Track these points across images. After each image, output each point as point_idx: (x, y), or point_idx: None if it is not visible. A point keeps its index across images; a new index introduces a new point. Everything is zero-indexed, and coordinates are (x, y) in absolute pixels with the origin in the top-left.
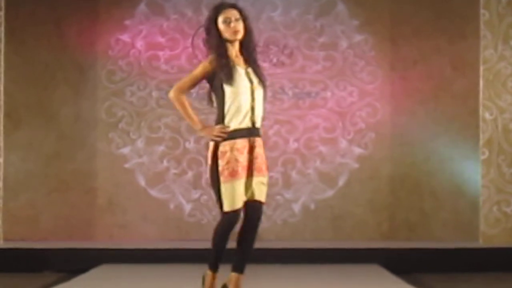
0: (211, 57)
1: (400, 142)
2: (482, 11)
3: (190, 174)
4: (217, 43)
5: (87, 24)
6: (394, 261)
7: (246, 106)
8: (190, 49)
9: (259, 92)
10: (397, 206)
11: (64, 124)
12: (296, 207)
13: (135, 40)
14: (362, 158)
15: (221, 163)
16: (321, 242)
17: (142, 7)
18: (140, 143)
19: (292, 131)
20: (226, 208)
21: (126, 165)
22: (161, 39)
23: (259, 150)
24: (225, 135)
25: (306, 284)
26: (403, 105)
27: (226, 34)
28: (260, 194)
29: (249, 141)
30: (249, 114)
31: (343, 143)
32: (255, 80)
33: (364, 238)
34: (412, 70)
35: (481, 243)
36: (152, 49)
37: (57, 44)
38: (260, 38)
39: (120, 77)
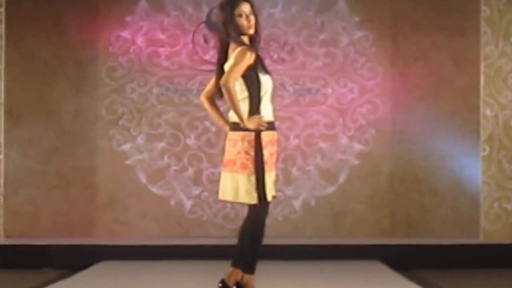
0: (245, 48)
1: (400, 138)
2: (482, 7)
3: (190, 170)
4: (237, 35)
5: (88, 20)
6: (394, 257)
7: (270, 99)
8: (190, 46)
9: None
10: (397, 202)
11: (65, 120)
12: (297, 204)
13: (136, 37)
14: (363, 154)
15: (265, 152)
16: (321, 238)
17: (142, 3)
18: (140, 140)
19: (293, 127)
20: (269, 197)
21: (127, 162)
22: (162, 36)
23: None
24: (266, 125)
25: (306, 281)
26: (404, 102)
27: (242, 28)
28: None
29: (275, 134)
30: (272, 107)
31: (344, 140)
32: None
33: (364, 235)
34: (413, 67)
35: (481, 240)
36: (153, 46)
37: (57, 40)
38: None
39: (121, 74)
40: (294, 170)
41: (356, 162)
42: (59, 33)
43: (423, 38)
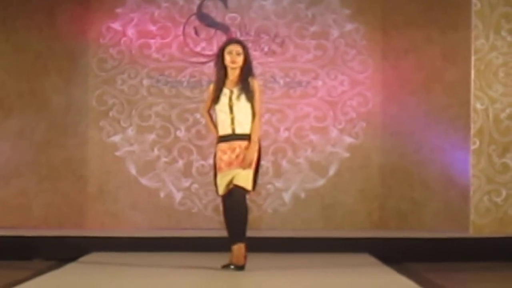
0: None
1: (391, 131)
2: (473, 1)
3: (180, 162)
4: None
5: (79, 12)
6: (384, 250)
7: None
8: (181, 38)
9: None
10: (388, 195)
11: (55, 112)
12: (287, 196)
13: (126, 28)
14: (353, 147)
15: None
16: (311, 231)
17: None
18: (131, 131)
19: (283, 120)
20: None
21: (117, 153)
22: (152, 27)
23: None
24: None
25: (296, 273)
26: (394, 95)
27: (227, 63)
28: None
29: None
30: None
31: (334, 132)
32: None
33: (355, 227)
34: (404, 60)
35: (471, 233)
36: (143, 37)
37: (48, 32)
38: (251, 27)
39: (111, 65)
40: (284, 163)
41: (347, 155)
42: (50, 25)
43: (414, 32)
